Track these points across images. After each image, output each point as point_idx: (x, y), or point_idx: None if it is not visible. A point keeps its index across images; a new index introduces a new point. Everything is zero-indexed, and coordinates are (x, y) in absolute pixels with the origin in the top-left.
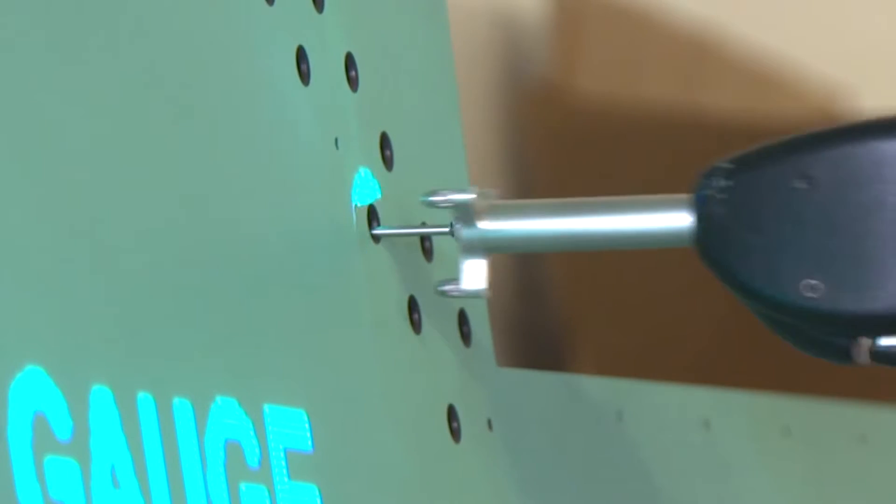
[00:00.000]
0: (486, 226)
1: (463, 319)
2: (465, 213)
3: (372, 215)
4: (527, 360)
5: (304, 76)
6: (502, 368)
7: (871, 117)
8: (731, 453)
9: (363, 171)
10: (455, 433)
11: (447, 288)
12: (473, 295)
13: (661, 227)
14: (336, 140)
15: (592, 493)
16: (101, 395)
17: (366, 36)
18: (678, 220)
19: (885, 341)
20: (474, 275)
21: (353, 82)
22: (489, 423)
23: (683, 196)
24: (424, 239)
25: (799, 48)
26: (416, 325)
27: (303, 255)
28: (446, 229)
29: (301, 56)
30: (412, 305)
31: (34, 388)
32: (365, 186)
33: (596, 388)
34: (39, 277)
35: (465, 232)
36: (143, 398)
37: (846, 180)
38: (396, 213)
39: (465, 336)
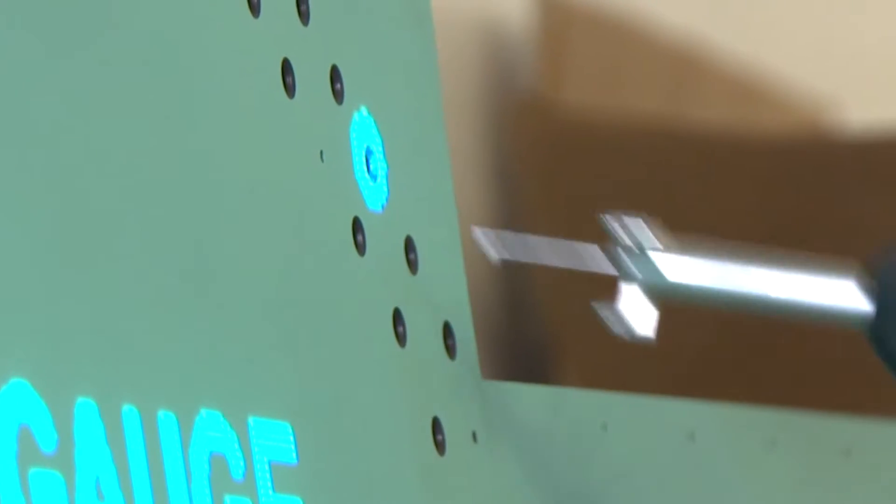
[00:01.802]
0: (658, 267)
1: (448, 332)
2: (639, 249)
3: (357, 227)
4: (512, 372)
5: (290, 89)
6: (487, 381)
7: None
8: (716, 466)
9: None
10: (440, 446)
11: (616, 324)
12: (638, 338)
13: (837, 307)
14: (321, 153)
15: None
16: (85, 407)
17: (351, 49)
18: (856, 302)
19: None
20: (640, 314)
21: (338, 95)
22: (474, 435)
23: (863, 279)
24: (409, 251)
25: (784, 61)
26: (400, 338)
27: (287, 268)
28: (604, 256)
29: (286, 69)
30: (397, 318)
31: (19, 400)
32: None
33: (580, 400)
34: (24, 292)
35: (636, 267)
36: (128, 411)
37: None
38: (380, 225)
39: (450, 349)
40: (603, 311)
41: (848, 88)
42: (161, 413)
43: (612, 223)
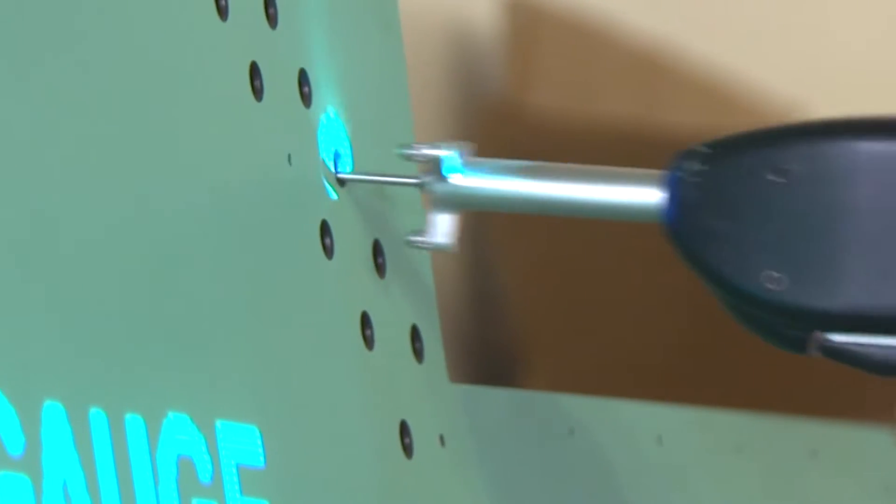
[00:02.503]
0: (459, 181)
1: (415, 335)
2: (438, 168)
3: (324, 230)
4: (479, 376)
5: (257, 92)
6: (454, 384)
7: (851, 116)
8: (684, 469)
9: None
10: (407, 449)
11: (415, 238)
12: (440, 248)
13: (630, 201)
14: (289, 156)
15: None
16: (53, 410)
17: (319, 52)
18: (649, 196)
19: (838, 338)
20: (443, 229)
21: (306, 98)
22: (441, 439)
23: (657, 173)
24: (377, 255)
25: (756, 65)
26: (368, 342)
27: (255, 270)
28: (415, 180)
29: (254, 72)
30: (365, 321)
31: None
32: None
33: (548, 404)
34: None
35: (437, 186)
36: (96, 414)
37: (820, 178)
38: (350, 226)
39: (418, 352)
40: (414, 239)
41: (818, 93)
42: (128, 416)
43: (410, 152)
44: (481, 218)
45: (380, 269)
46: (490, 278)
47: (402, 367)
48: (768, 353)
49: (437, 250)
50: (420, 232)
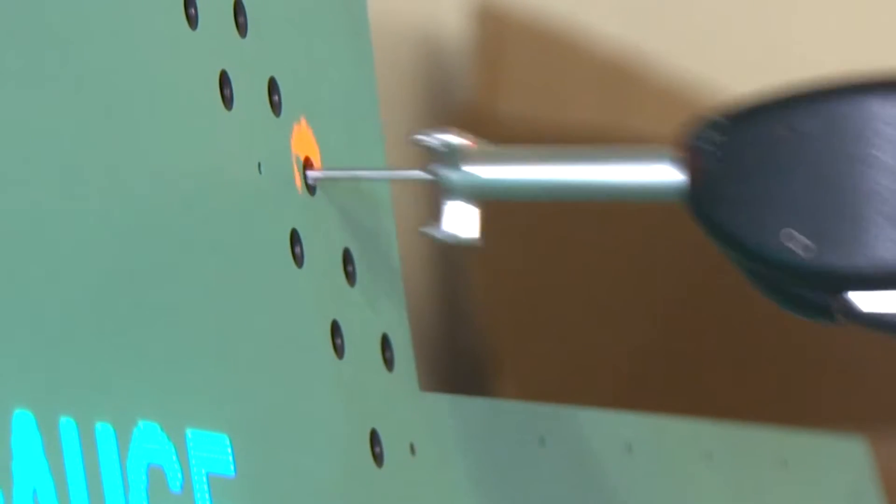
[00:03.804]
0: (476, 170)
1: (386, 344)
2: (452, 156)
3: (294, 239)
4: (450, 384)
5: (227, 101)
6: (425, 393)
7: (868, 74)
8: (654, 478)
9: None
10: (377, 458)
11: (432, 231)
12: (464, 242)
13: (651, 182)
14: (259, 165)
15: None
16: (22, 419)
17: (289, 60)
18: (670, 174)
19: (864, 306)
20: (464, 221)
21: (275, 107)
22: (412, 447)
23: (674, 150)
24: (347, 263)
25: (725, 73)
26: (338, 350)
27: (225, 279)
28: (425, 174)
29: (224, 80)
30: (335, 330)
31: None
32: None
33: (518, 413)
34: None
35: (454, 175)
36: (66, 423)
37: (838, 136)
38: (319, 237)
39: (388, 361)
40: (429, 231)
41: None
42: (99, 425)
43: (423, 139)
44: None
45: (350, 277)
46: (461, 287)
47: (373, 376)
48: (739, 362)
49: (460, 244)
50: (437, 224)
